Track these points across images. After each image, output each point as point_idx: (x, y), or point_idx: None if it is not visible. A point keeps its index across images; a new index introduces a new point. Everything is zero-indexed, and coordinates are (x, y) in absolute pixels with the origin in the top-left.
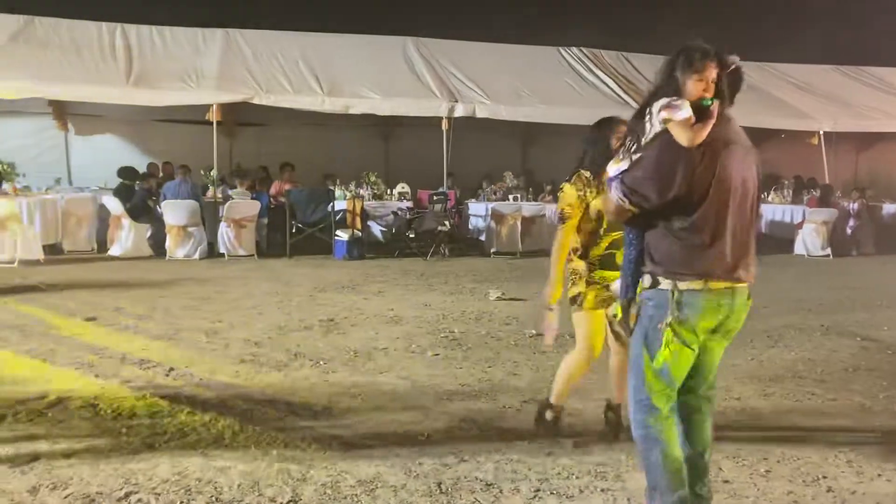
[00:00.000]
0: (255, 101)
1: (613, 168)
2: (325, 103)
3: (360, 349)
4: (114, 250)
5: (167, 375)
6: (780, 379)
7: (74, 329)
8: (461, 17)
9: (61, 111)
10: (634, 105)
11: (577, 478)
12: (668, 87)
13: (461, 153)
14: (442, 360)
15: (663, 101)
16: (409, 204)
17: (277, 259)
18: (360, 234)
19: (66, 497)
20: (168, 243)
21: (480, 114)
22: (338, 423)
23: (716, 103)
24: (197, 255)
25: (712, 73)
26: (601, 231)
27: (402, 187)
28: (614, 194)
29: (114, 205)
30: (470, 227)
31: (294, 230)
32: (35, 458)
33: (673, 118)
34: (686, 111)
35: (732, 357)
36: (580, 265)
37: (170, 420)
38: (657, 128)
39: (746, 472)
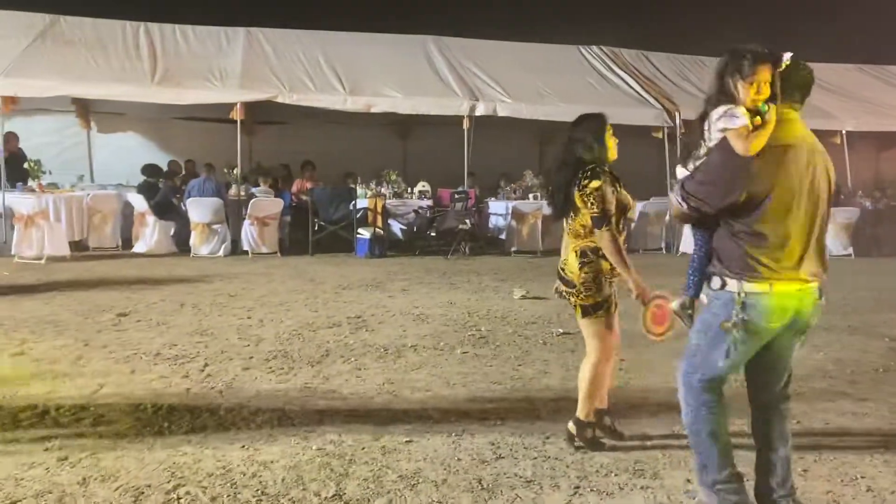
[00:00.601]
0: (279, 99)
1: (681, 172)
2: (347, 102)
3: (390, 346)
4: (138, 247)
5: (202, 371)
6: (810, 379)
7: (107, 324)
8: (481, 16)
9: (84, 109)
10: (655, 104)
11: (615, 475)
12: (721, 92)
13: (477, 151)
14: (471, 358)
15: (720, 109)
16: (430, 202)
17: (300, 257)
18: (381, 232)
19: (115, 489)
20: (192, 240)
21: (502, 112)
22: (374, 420)
23: (772, 109)
24: (221, 253)
25: (764, 74)
26: (621, 226)
27: (423, 186)
28: (674, 198)
29: (139, 202)
30: (490, 225)
31: (316, 228)
32: (82, 451)
33: (729, 127)
34: (741, 119)
35: None
36: (605, 266)
37: (209, 415)
38: (716, 136)
39: None
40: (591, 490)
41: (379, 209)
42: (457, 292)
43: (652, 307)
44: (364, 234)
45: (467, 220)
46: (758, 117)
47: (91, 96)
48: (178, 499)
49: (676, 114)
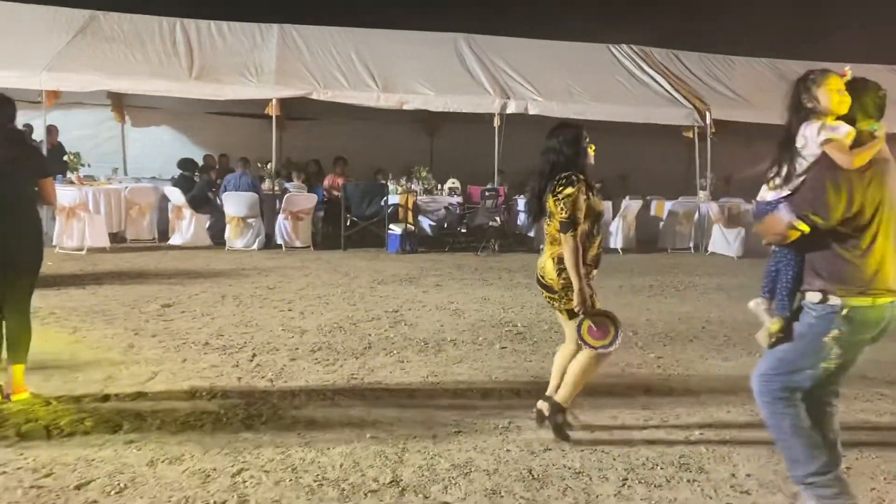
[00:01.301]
0: (314, 96)
1: (771, 194)
2: (380, 99)
3: (430, 340)
4: (174, 239)
5: (251, 361)
6: (848, 380)
7: (153, 314)
8: (511, 14)
9: (119, 103)
10: (685, 103)
11: (661, 468)
12: (800, 108)
13: (504, 149)
14: (510, 353)
15: (816, 124)
16: (460, 199)
17: (332, 251)
18: (412, 228)
19: (183, 472)
20: (228, 234)
21: (533, 111)
22: (422, 410)
23: (882, 128)
24: (255, 246)
25: (836, 82)
26: (595, 231)
27: (453, 183)
28: (785, 217)
29: (175, 195)
30: (519, 223)
31: (349, 223)
32: (146, 434)
33: (833, 137)
34: (844, 128)
35: None
36: (581, 269)
37: (262, 403)
38: (814, 151)
39: None
40: (640, 482)
41: (410, 205)
42: (490, 288)
43: (591, 321)
44: (395, 229)
45: (497, 218)
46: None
47: (131, 91)
48: (244, 482)
49: (707, 113)
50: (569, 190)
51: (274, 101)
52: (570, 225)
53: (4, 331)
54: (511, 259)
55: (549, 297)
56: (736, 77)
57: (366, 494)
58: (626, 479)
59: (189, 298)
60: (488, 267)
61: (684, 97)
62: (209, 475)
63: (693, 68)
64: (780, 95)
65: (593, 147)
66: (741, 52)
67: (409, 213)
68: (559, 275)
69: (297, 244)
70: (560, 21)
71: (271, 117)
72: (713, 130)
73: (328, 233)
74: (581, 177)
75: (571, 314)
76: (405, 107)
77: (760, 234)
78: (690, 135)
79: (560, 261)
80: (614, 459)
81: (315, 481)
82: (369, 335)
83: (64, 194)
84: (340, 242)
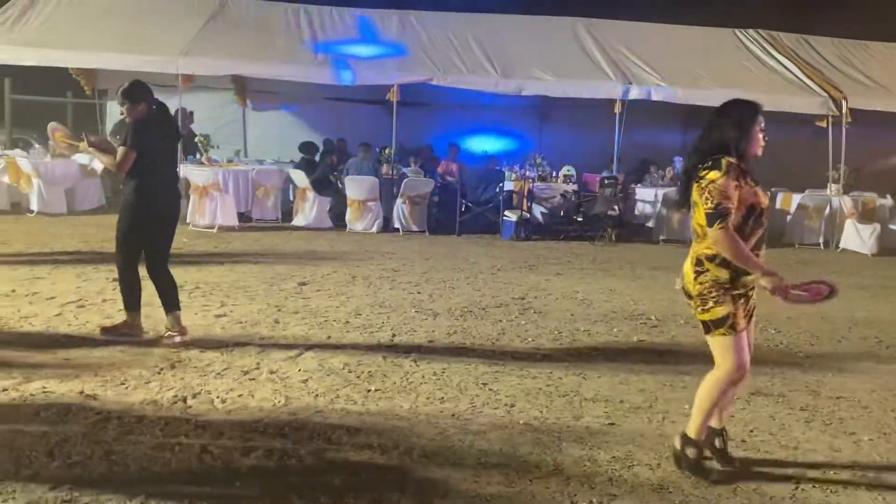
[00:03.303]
0: (434, 82)
1: None
2: (498, 85)
3: (563, 330)
4: (298, 220)
5: (391, 340)
6: None
7: (291, 292)
8: None
9: (241, 87)
10: (819, 91)
11: (833, 473)
12: None
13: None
14: (649, 346)
15: None
16: (575, 187)
17: (447, 236)
18: (527, 215)
19: (352, 445)
20: (348, 216)
21: (656, 97)
22: (570, 400)
23: None
24: (374, 229)
25: None
26: (748, 228)
27: (568, 170)
28: None
29: (299, 177)
30: (636, 212)
31: (463, 209)
32: (307, 405)
33: None
34: None
35: None
36: (722, 274)
37: (410, 382)
38: None
39: None
40: (813, 486)
41: (525, 192)
42: (613, 279)
43: (806, 297)
44: (510, 216)
45: (616, 207)
46: None
47: (261, 76)
48: (412, 461)
49: (843, 102)
50: (713, 175)
51: (395, 86)
52: (717, 216)
53: (158, 285)
54: (630, 249)
55: (688, 304)
56: (872, 63)
57: (531, 481)
58: (799, 482)
59: (322, 278)
60: (606, 257)
61: (817, 84)
62: (374, 447)
63: (825, 54)
64: None
65: (765, 135)
66: (877, 37)
67: (524, 201)
68: (696, 278)
69: (414, 228)
70: (683, 5)
71: (385, 103)
72: (849, 120)
73: (442, 218)
74: (733, 161)
75: (706, 327)
76: (524, 93)
77: None
78: (824, 124)
79: (699, 262)
80: (781, 461)
81: (479, 464)
82: (500, 321)
83: (197, 175)
84: (454, 227)
